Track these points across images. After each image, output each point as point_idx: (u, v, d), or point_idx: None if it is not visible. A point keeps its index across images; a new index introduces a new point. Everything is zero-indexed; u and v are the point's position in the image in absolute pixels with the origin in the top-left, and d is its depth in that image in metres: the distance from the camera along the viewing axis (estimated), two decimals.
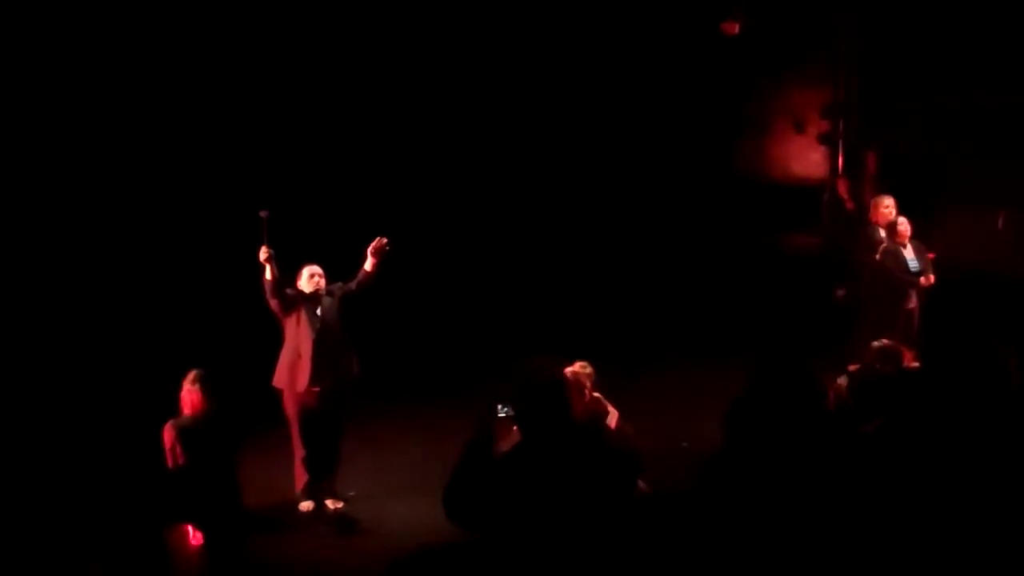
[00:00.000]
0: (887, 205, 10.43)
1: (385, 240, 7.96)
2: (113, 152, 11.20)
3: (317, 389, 7.90)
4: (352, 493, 8.26)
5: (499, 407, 4.25)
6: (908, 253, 10.20)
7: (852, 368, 7.23)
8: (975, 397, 4.25)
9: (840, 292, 10.54)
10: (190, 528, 6.66)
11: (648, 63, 13.58)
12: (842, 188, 12.59)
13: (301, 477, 8.10)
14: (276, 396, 8.04)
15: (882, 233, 10.32)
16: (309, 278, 7.99)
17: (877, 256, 10.23)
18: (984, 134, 12.39)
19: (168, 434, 6.82)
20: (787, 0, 13.23)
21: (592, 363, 6.92)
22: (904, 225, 10.24)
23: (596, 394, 6.85)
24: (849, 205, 12.33)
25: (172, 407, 6.92)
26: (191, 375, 6.90)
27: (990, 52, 12.24)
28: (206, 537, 6.57)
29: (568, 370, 6.59)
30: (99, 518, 7.08)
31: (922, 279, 10.16)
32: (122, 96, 11.16)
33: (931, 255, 10.45)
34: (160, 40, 11.26)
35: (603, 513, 4.19)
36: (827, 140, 14.03)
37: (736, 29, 13.00)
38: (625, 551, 4.22)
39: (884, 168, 13.23)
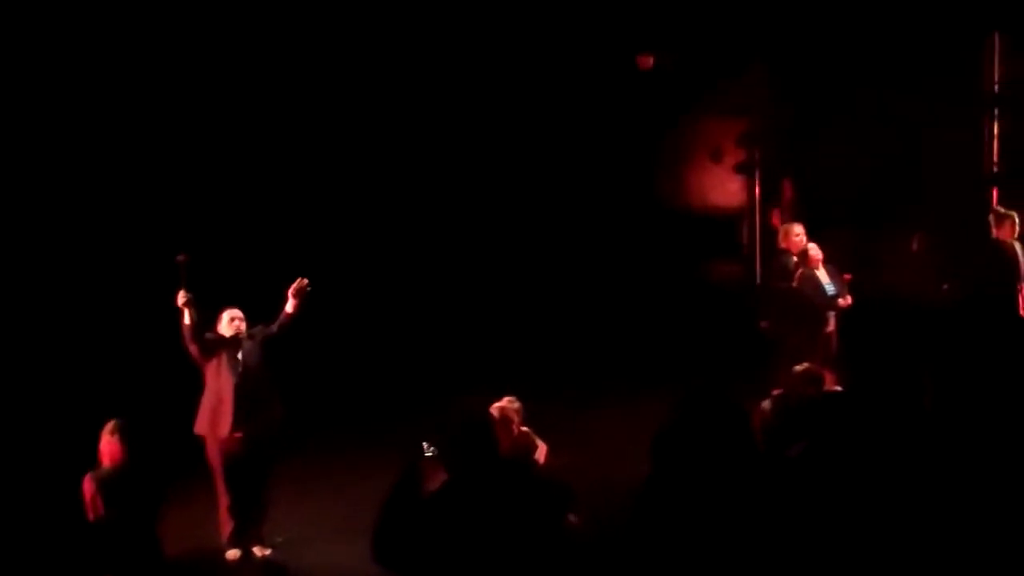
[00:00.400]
0: (798, 233, 10.62)
1: (305, 281, 7.90)
2: (27, 195, 10.98)
3: (240, 435, 7.78)
4: (279, 539, 8.13)
5: (426, 446, 4.22)
6: (823, 277, 10.38)
7: (776, 392, 7.30)
8: (893, 417, 4.32)
9: (764, 324, 10.63)
10: None
11: (565, 97, 13.68)
12: (775, 218, 12.56)
13: (226, 524, 7.95)
14: (198, 443, 7.90)
15: (796, 260, 10.49)
16: (229, 322, 7.90)
17: (794, 283, 10.38)
18: (899, 158, 12.64)
19: (88, 486, 6.66)
20: (700, 32, 13.41)
21: (519, 397, 6.89)
22: (815, 250, 10.42)
23: (524, 428, 6.83)
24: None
25: (91, 458, 6.77)
26: (109, 425, 6.75)
27: (903, 80, 12.51)
28: None
29: (495, 405, 6.57)
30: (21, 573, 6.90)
31: (840, 300, 10.33)
32: (33, 139, 10.96)
33: (847, 276, 10.63)
34: (72, 81, 11.09)
35: (533, 548, 4.17)
36: (744, 169, 14.22)
37: (651, 63, 13.16)
38: None
39: (800, 194, 13.44)
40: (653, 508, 4.00)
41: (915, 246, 11.83)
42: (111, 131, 11.39)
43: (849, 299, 10.38)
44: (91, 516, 6.66)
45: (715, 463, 4.01)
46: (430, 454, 4.21)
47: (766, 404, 7.08)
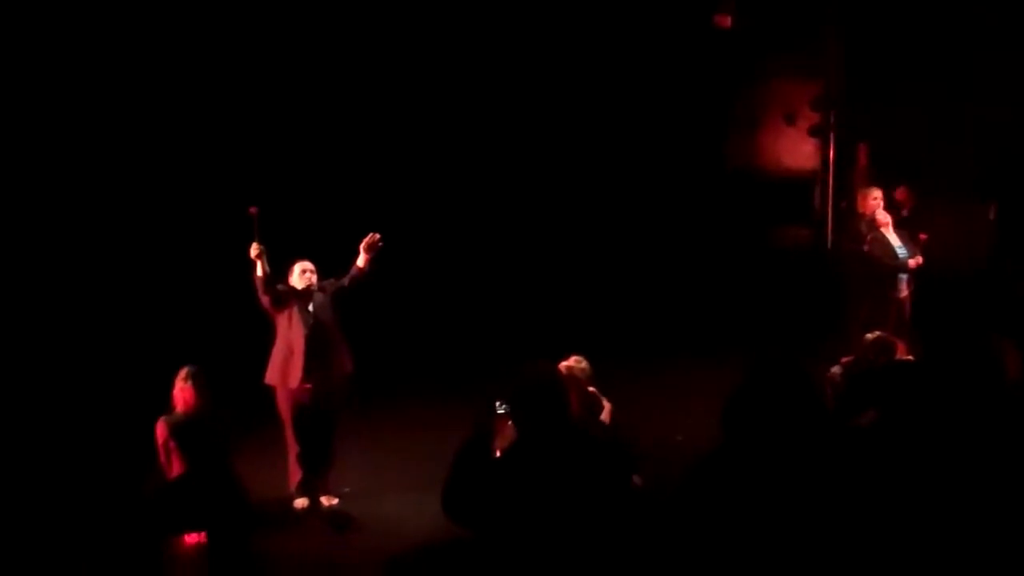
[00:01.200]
0: (875, 196, 10.49)
1: (378, 236, 7.93)
2: (102, 150, 11.16)
3: (309, 386, 7.87)
4: (347, 489, 8.23)
5: (498, 404, 4.24)
6: (893, 239, 10.23)
7: (845, 360, 7.24)
8: (970, 390, 4.25)
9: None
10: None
11: (639, 57, 13.57)
12: (900, 195, 11.82)
13: (295, 474, 8.07)
14: (269, 393, 8.02)
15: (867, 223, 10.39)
16: (301, 274, 7.97)
17: (866, 247, 10.26)
18: (977, 123, 12.39)
19: (161, 430, 6.78)
20: None
21: (586, 358, 6.90)
22: (881, 213, 10.29)
23: (591, 388, 6.84)
24: (904, 212, 11.42)
25: (163, 405, 6.90)
26: (183, 372, 6.87)
27: (980, 41, 12.24)
28: (210, 536, 6.48)
29: (563, 364, 6.58)
30: (100, 526, 7.01)
31: (911, 261, 10.17)
32: (110, 95, 11.12)
33: (923, 236, 10.46)
34: (149, 39, 11.22)
35: (599, 509, 4.19)
36: (818, 132, 14.02)
37: (728, 22, 12.99)
38: (622, 547, 4.22)
39: (874, 159, 13.21)
40: (722, 474, 3.99)
41: (992, 215, 11.60)
42: (191, 85, 11.52)
43: (920, 259, 10.20)
44: (163, 459, 6.79)
45: (786, 430, 3.99)
46: (502, 412, 4.24)
47: (836, 370, 7.05)
